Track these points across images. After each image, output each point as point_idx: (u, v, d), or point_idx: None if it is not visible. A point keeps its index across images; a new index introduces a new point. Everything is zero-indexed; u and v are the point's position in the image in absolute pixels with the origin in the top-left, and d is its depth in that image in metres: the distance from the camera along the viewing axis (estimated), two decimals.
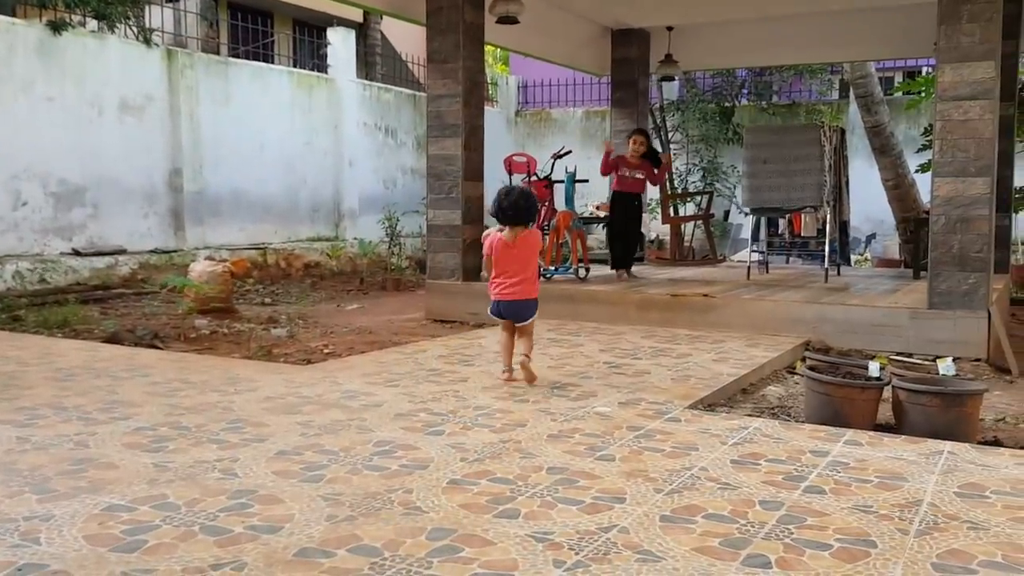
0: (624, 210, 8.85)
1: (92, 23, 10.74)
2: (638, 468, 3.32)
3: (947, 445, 3.72)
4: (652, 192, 11.65)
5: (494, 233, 4.93)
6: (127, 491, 3.01)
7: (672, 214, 11.81)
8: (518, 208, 4.80)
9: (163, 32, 12.00)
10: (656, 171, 9.08)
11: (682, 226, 12.18)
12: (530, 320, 4.95)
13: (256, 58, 14.26)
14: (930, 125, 6.82)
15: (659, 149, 13.60)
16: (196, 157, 11.44)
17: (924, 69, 16.45)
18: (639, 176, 8.80)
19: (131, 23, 11.01)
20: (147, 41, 10.85)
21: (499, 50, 19.88)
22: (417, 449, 3.54)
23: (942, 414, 4.09)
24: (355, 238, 13.57)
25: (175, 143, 11.20)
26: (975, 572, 2.41)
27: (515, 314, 4.94)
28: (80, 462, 3.34)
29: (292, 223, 12.90)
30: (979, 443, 4.03)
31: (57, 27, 9.75)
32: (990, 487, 3.16)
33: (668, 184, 12.49)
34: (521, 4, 8.13)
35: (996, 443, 4.17)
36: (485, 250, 4.96)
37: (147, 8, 11.82)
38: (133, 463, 3.33)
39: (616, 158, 8.79)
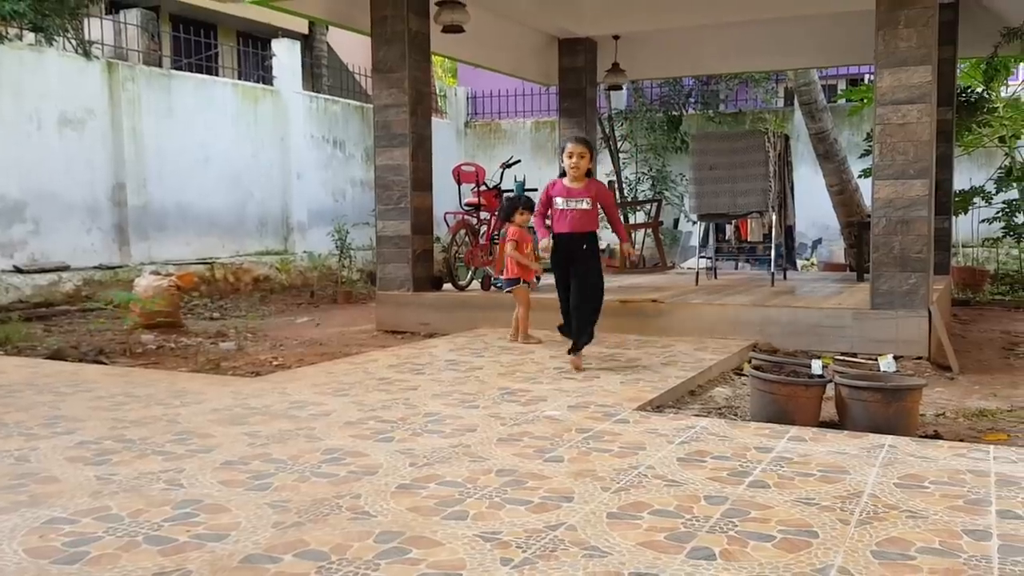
0: (570, 261, 5.63)
1: (29, 36, 10.54)
2: (586, 468, 3.34)
3: (888, 439, 3.80)
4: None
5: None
6: (69, 504, 2.96)
7: (622, 222, 11.90)
8: (505, 208, 6.90)
9: (103, 45, 11.83)
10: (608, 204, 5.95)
11: (632, 234, 12.28)
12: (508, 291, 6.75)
13: (200, 70, 14.11)
14: (872, 131, 6.96)
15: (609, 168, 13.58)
16: (140, 171, 11.28)
17: (866, 77, 16.81)
18: (584, 207, 5.60)
19: (70, 36, 10.82)
20: (87, 54, 10.68)
21: (448, 62, 19.93)
22: (366, 456, 3.52)
23: (883, 409, 4.18)
24: (305, 251, 13.47)
25: (118, 157, 11.03)
26: (913, 558, 2.46)
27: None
28: (20, 477, 3.27)
29: (240, 237, 12.76)
30: (919, 437, 4.12)
31: None
32: (929, 478, 3.23)
33: (617, 194, 12.57)
34: (466, 13, 8.16)
35: (936, 436, 4.27)
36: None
37: (86, 21, 11.63)
38: (75, 476, 3.27)
39: (547, 187, 5.77)
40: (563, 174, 5.67)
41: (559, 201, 5.59)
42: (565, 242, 5.59)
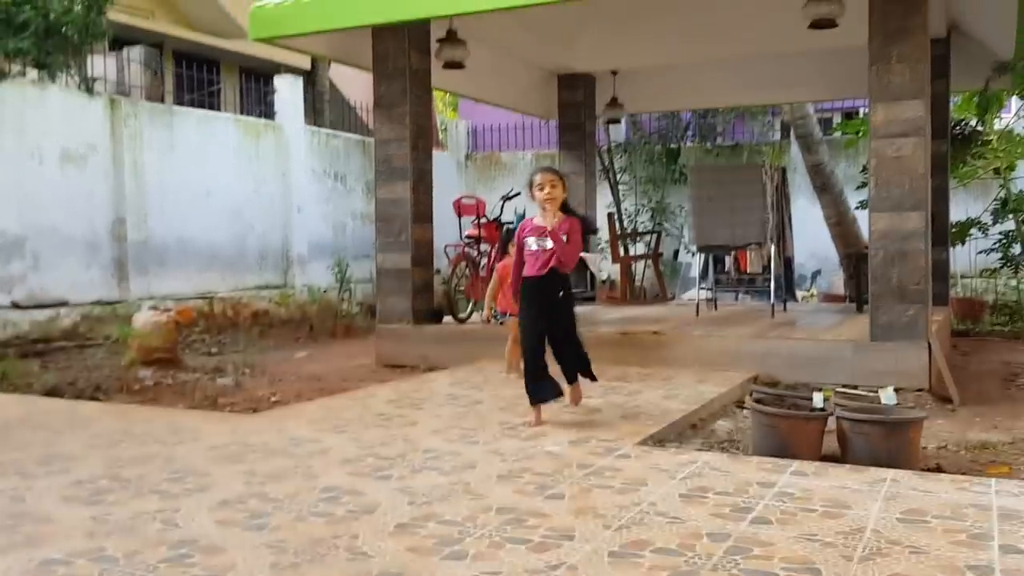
0: (538, 311, 4.96)
1: (33, 72, 10.61)
2: (587, 505, 3.32)
3: (890, 473, 3.78)
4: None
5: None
6: (64, 544, 2.93)
7: (622, 254, 11.91)
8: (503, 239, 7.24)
9: (106, 81, 11.90)
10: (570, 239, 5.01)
11: (632, 265, 12.30)
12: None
13: (202, 106, 14.19)
14: (868, 163, 7.00)
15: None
16: (140, 206, 11.31)
17: (861, 110, 16.91)
18: (549, 246, 4.88)
19: (73, 73, 10.90)
20: (89, 90, 10.74)
21: (449, 95, 20.06)
22: (364, 494, 3.49)
23: (884, 442, 4.15)
24: (305, 285, 13.47)
25: (118, 192, 11.06)
26: None
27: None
28: (15, 516, 3.24)
29: (240, 271, 12.76)
30: (921, 470, 4.09)
31: None
32: (931, 512, 3.21)
33: (616, 225, 12.60)
34: (466, 50, 8.22)
35: (938, 469, 4.24)
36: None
37: (89, 57, 11.71)
38: (71, 516, 3.24)
39: (518, 231, 5.12)
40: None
41: (531, 242, 4.93)
42: (538, 287, 4.92)
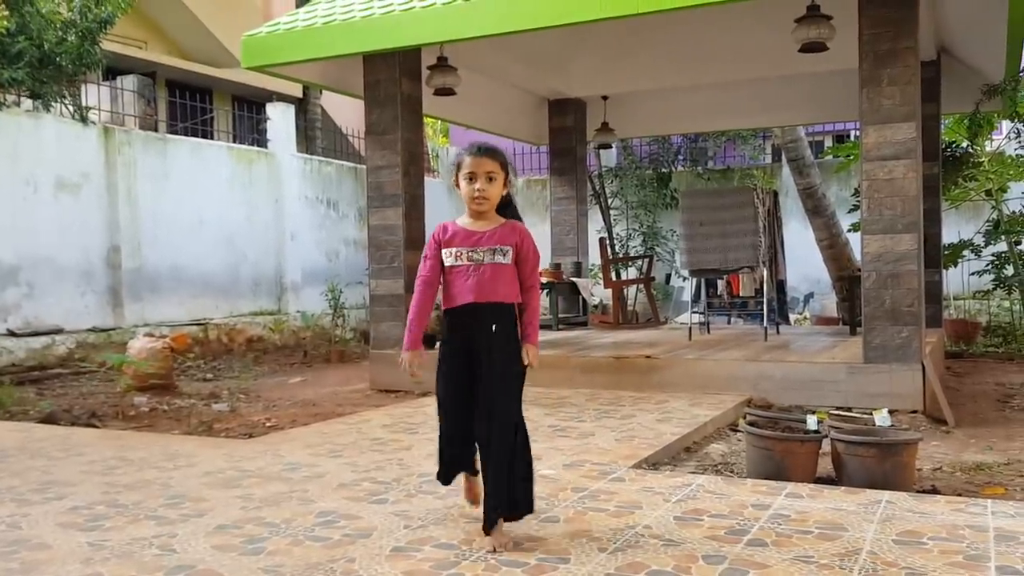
0: (462, 364, 3.40)
1: (27, 102, 10.67)
2: (582, 528, 3.32)
3: (885, 495, 3.79)
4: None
5: None
6: (61, 571, 2.92)
7: (614, 278, 11.95)
8: None
9: (100, 110, 11.95)
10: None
11: (624, 290, 12.33)
12: None
13: (196, 134, 14.25)
14: (859, 186, 7.06)
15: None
16: (134, 234, 11.32)
17: (852, 133, 17.04)
18: (500, 260, 3.31)
19: (67, 102, 10.96)
20: (83, 119, 10.79)
21: (440, 122, 20.17)
22: (360, 518, 3.49)
23: (879, 464, 4.17)
24: (298, 311, 13.46)
25: (113, 220, 11.08)
26: None
27: None
28: (12, 544, 3.23)
29: (233, 297, 12.76)
30: (917, 491, 4.11)
31: None
32: (927, 534, 3.22)
33: (608, 250, 12.64)
34: (457, 76, 8.29)
35: (934, 491, 4.25)
36: None
37: (83, 87, 11.78)
38: (67, 543, 3.24)
39: (435, 233, 3.42)
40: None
41: (449, 255, 3.31)
42: (463, 322, 3.31)
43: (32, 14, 9.73)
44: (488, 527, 3.17)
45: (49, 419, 6.52)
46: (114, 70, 13.51)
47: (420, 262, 3.42)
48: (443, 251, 3.33)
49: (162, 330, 10.67)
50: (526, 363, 3.35)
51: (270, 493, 3.93)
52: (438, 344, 3.49)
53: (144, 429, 6.17)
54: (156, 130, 12.83)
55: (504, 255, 3.29)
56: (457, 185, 3.35)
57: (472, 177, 3.29)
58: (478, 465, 3.35)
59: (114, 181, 11.10)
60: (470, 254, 3.29)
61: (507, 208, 3.42)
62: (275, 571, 2.88)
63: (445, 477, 3.50)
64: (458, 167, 3.34)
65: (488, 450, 3.22)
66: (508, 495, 3.19)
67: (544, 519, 3.44)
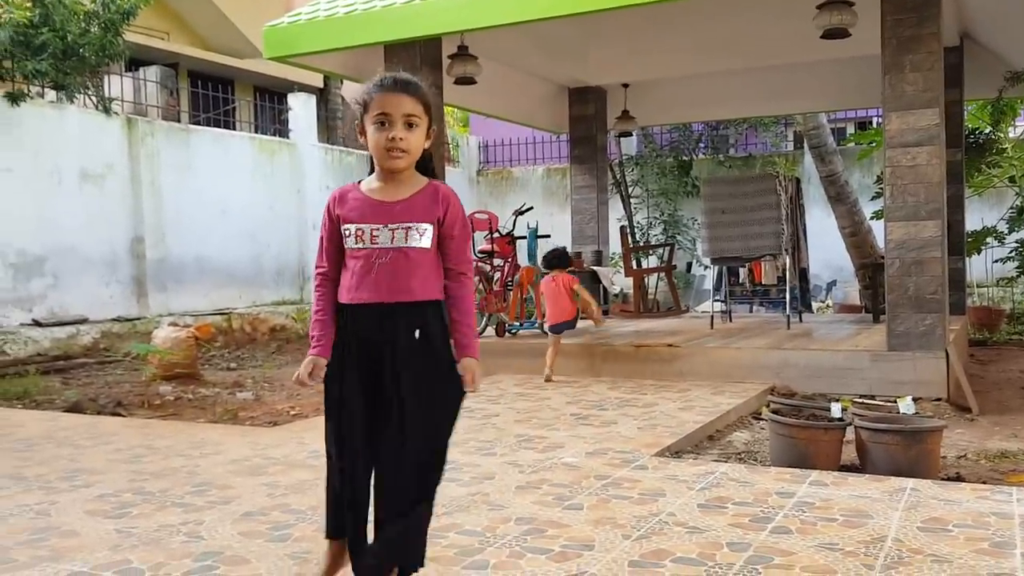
0: (358, 382, 2.45)
1: (51, 94, 10.76)
2: (606, 515, 3.33)
3: (910, 482, 3.77)
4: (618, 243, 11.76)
5: (546, 277, 7.30)
6: (89, 558, 2.96)
7: (635, 267, 11.92)
8: (554, 257, 7.36)
9: (123, 101, 12.04)
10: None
11: (645, 278, 12.30)
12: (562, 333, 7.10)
13: (218, 125, 14.33)
14: (882, 173, 7.00)
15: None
16: (158, 224, 11.41)
17: (874, 120, 16.89)
18: (415, 242, 2.42)
19: (90, 93, 11.04)
20: (107, 110, 10.87)
21: (459, 112, 20.16)
22: None
23: (904, 452, 4.15)
24: None
25: (136, 211, 11.17)
26: None
27: (557, 330, 7.15)
28: (41, 531, 3.28)
29: (256, 287, 12.85)
30: (941, 479, 4.09)
31: (15, 98, 9.75)
32: (952, 521, 3.21)
33: (629, 239, 12.60)
34: (478, 65, 8.28)
35: (958, 479, 4.23)
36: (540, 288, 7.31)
37: (106, 78, 11.86)
38: (96, 530, 3.28)
39: (331, 200, 2.51)
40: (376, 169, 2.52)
41: (348, 233, 2.45)
42: (364, 326, 2.43)
43: (55, 5, 9.80)
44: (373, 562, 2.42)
45: (75, 408, 6.59)
46: (137, 61, 13.58)
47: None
48: (342, 227, 2.44)
49: (186, 320, 10.75)
50: (466, 388, 2.48)
51: (295, 480, 3.96)
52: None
53: (169, 417, 6.23)
54: (179, 121, 12.91)
55: (423, 236, 2.42)
56: (362, 133, 2.47)
57: (385, 121, 2.39)
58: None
59: (137, 172, 11.19)
60: (374, 233, 2.41)
61: (426, 167, 2.53)
62: (301, 557, 2.90)
63: (335, 531, 2.57)
64: (364, 107, 2.43)
65: (391, 495, 2.42)
66: (403, 548, 2.44)
67: (567, 506, 3.46)
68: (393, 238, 2.39)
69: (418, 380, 2.40)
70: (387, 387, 2.41)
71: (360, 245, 2.41)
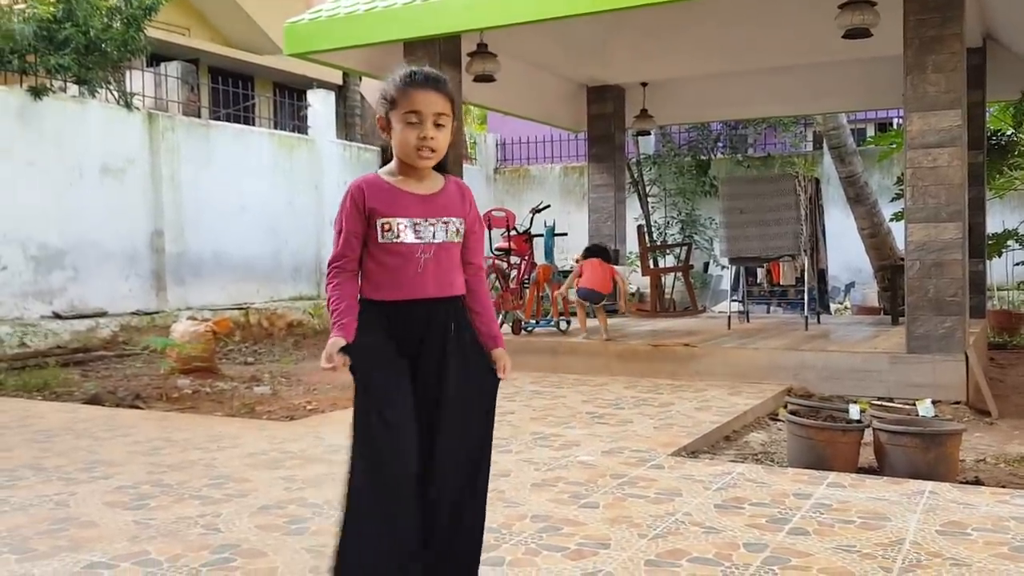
0: (396, 387, 2.33)
1: (73, 88, 10.83)
2: (622, 514, 3.32)
3: (928, 485, 3.75)
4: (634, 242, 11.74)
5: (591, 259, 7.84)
6: (108, 548, 2.98)
7: (652, 266, 11.90)
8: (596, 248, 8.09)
9: (144, 96, 12.11)
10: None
11: (662, 278, 12.27)
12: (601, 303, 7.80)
13: (237, 120, 14.38)
14: (903, 174, 6.96)
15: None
16: (178, 219, 11.47)
17: (895, 121, 16.77)
18: (453, 236, 2.40)
19: (112, 88, 11.11)
20: (128, 105, 10.94)
21: (477, 110, 20.16)
22: None
23: (922, 455, 4.12)
24: None
25: (156, 205, 11.24)
26: None
27: (588, 296, 7.81)
28: (60, 521, 3.31)
29: (274, 282, 12.90)
30: (960, 483, 4.06)
31: (38, 92, 9.82)
32: (971, 525, 3.18)
33: (646, 238, 12.57)
34: (497, 63, 8.28)
35: (977, 482, 4.20)
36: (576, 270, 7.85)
37: (128, 73, 11.94)
38: (114, 521, 3.30)
39: (352, 192, 2.38)
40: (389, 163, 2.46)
41: (387, 227, 2.33)
42: (405, 321, 2.35)
43: (79, 1, 9.87)
44: None
45: (94, 400, 6.64)
46: (158, 56, 13.67)
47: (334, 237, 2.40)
48: (379, 221, 2.32)
49: (204, 314, 10.81)
50: (500, 376, 2.46)
51: (312, 474, 3.98)
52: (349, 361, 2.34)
53: (187, 411, 6.27)
54: (199, 116, 12.98)
55: (457, 228, 2.40)
56: (385, 128, 2.38)
57: (416, 119, 2.32)
58: None
59: (158, 166, 11.26)
60: (418, 228, 2.34)
61: (442, 162, 2.45)
62: (318, 551, 2.92)
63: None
64: (392, 103, 2.35)
65: (456, 512, 2.35)
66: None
67: (583, 504, 3.45)
68: (435, 233, 2.35)
69: (467, 374, 2.37)
70: (430, 387, 2.33)
71: (404, 239, 2.31)
